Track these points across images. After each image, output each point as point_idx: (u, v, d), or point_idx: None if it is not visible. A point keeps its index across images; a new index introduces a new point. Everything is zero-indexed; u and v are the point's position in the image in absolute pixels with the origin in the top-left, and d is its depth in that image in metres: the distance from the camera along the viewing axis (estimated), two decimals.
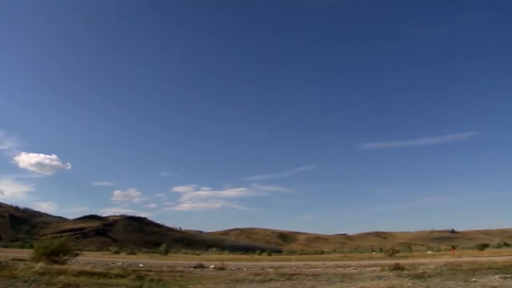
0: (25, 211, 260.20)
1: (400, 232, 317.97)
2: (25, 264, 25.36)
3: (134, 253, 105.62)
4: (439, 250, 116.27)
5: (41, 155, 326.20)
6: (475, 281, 20.15)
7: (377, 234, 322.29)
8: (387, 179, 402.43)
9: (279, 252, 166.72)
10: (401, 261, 39.62)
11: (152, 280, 21.36)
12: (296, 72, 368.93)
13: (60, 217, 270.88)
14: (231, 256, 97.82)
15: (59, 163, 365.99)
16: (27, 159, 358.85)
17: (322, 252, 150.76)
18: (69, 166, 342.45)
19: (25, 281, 17.42)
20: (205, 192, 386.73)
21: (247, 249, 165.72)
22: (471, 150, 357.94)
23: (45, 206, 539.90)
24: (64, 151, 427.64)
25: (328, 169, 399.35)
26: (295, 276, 25.76)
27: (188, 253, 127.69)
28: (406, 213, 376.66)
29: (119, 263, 40.39)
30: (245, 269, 35.23)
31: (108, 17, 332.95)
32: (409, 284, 19.23)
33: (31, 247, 47.95)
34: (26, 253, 42.85)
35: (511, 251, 79.87)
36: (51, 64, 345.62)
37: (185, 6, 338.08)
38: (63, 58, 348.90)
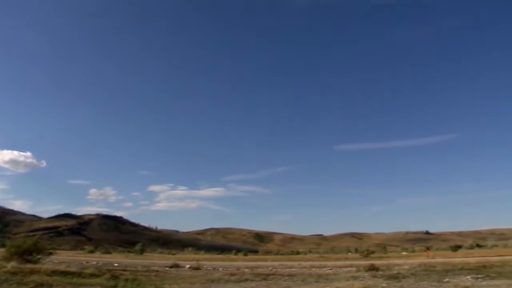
0: None
1: (376, 233, 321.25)
2: None
3: (109, 252, 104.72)
4: (413, 251, 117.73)
5: (15, 152, 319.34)
6: (448, 282, 20.54)
7: (353, 235, 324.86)
8: (364, 180, 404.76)
9: (255, 252, 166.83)
10: (376, 262, 39.98)
11: (127, 279, 21.21)
12: (274, 72, 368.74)
13: (34, 216, 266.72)
14: (207, 256, 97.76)
15: (34, 161, 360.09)
16: (0, 156, 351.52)
17: (298, 253, 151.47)
18: (44, 163, 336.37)
19: None
20: (181, 191, 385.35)
21: (223, 249, 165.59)
22: (445, 152, 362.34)
23: (18, 204, 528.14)
24: (39, 149, 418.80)
25: (304, 170, 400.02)
26: (271, 276, 25.86)
27: (163, 252, 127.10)
28: (381, 214, 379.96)
29: (94, 262, 39.91)
30: (220, 269, 35.21)
31: (87, 15, 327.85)
32: (384, 285, 19.49)
33: (3, 246, 47.08)
34: None
35: (483, 252, 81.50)
36: (26, 62, 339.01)
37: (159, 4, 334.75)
38: (38, 55, 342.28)
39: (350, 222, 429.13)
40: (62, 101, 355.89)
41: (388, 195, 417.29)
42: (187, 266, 37.15)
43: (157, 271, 30.67)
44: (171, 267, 36.07)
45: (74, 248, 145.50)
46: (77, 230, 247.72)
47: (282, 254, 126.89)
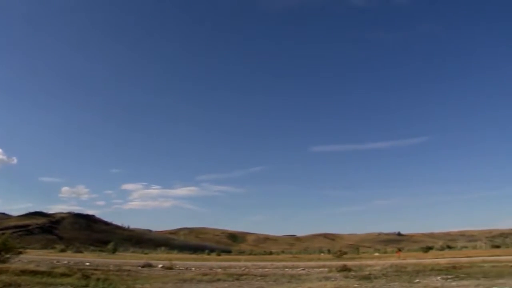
0: None
1: (349, 234, 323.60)
2: None
3: (80, 252, 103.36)
4: (385, 252, 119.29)
5: None
6: (418, 282, 20.88)
7: (326, 236, 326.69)
8: (337, 182, 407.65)
9: (228, 252, 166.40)
10: (349, 263, 40.35)
11: (98, 279, 20.95)
12: (249, 73, 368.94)
13: (3, 214, 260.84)
14: (180, 255, 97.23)
15: (4, 157, 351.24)
16: None
17: (271, 253, 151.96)
18: (14, 160, 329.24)
19: None
20: (155, 190, 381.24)
21: (196, 249, 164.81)
22: (417, 155, 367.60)
23: None
24: (10, 146, 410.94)
25: (279, 171, 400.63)
26: (244, 276, 25.90)
27: (136, 252, 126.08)
28: (354, 215, 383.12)
29: (65, 262, 39.39)
30: (193, 269, 35.15)
31: (49, 13, 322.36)
32: (355, 285, 19.71)
33: None
34: None
35: (453, 253, 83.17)
36: None
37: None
38: (8, 53, 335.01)
39: (323, 223, 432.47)
40: (34, 99, 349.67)
41: (361, 196, 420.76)
42: (160, 265, 36.97)
43: (129, 270, 30.43)
44: (143, 266, 35.84)
45: (44, 247, 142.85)
46: (48, 228, 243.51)
47: (255, 255, 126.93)
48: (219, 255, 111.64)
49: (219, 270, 32.76)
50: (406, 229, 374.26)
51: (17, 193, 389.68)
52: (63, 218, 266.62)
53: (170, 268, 34.45)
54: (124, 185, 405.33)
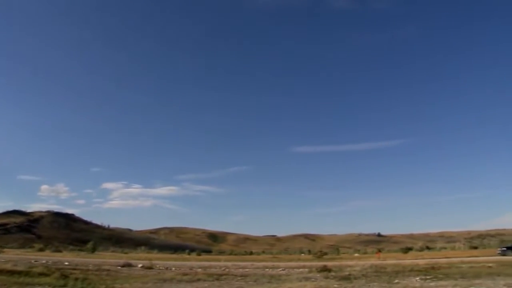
0: None
1: (329, 234, 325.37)
2: None
3: (59, 251, 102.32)
4: (365, 253, 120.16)
5: None
6: (397, 283, 21.08)
7: (306, 236, 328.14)
8: (318, 182, 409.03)
9: (208, 252, 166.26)
10: (329, 263, 40.51)
11: (77, 279, 20.78)
12: (228, 72, 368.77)
13: None
14: (160, 255, 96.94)
15: None
16: None
17: (251, 253, 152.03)
18: None
19: None
20: (135, 189, 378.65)
21: (176, 249, 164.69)
22: (396, 156, 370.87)
23: None
24: None
25: (260, 171, 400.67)
26: (224, 276, 25.91)
27: (116, 251, 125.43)
28: (335, 216, 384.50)
29: (43, 261, 38.93)
30: (173, 268, 35.03)
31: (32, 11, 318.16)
32: (335, 286, 19.86)
33: None
34: None
35: (432, 254, 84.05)
36: None
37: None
38: None
39: (304, 223, 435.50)
40: (12, 96, 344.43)
41: (342, 197, 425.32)
42: (140, 265, 36.76)
43: (108, 270, 30.21)
44: (123, 266, 35.61)
45: (22, 246, 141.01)
46: (26, 227, 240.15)
47: (235, 255, 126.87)
48: (199, 255, 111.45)
49: (199, 270, 32.70)
50: (386, 230, 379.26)
51: None
52: (42, 217, 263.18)
53: (150, 267, 34.29)
54: (105, 184, 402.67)
